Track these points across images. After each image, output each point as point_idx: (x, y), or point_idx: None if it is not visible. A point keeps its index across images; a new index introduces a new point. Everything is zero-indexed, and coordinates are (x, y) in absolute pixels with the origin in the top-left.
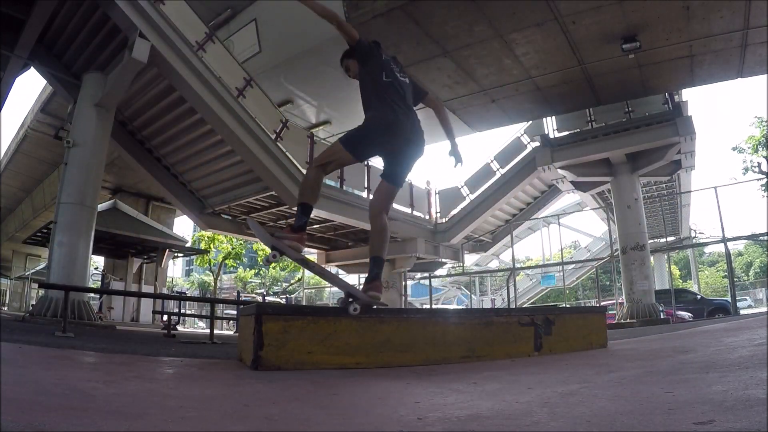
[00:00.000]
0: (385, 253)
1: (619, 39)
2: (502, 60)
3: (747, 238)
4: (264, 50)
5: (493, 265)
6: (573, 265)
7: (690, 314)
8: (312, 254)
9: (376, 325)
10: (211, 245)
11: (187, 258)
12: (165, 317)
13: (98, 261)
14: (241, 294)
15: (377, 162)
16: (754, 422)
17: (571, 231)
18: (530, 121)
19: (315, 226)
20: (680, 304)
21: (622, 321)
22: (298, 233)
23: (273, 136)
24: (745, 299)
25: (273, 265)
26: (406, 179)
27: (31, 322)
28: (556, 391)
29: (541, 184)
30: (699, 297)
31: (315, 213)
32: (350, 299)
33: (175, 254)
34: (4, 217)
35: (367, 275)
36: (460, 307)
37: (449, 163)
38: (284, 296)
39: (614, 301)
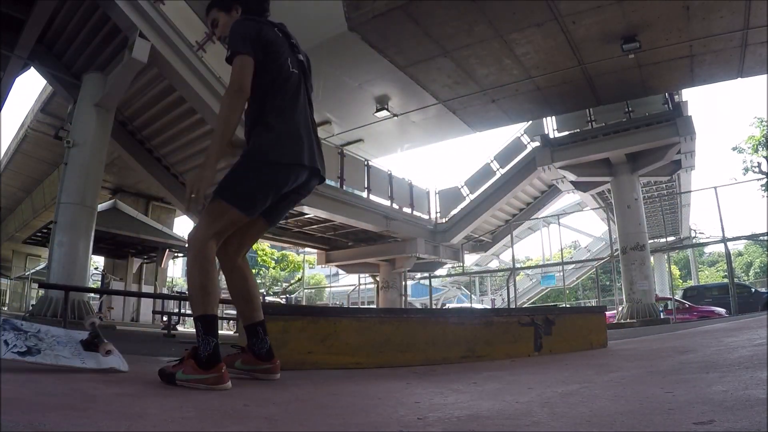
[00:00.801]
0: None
1: (619, 39)
2: (502, 60)
3: (747, 238)
4: None
5: (493, 265)
6: (573, 265)
7: (724, 309)
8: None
9: (376, 325)
10: None
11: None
12: (165, 317)
13: (98, 261)
14: None
15: (377, 162)
16: (754, 422)
17: (571, 231)
18: (530, 121)
19: (315, 226)
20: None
21: (622, 321)
22: (214, 368)
23: None
24: None
25: (273, 265)
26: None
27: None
28: (556, 391)
29: (541, 184)
30: (753, 290)
31: (315, 213)
32: None
33: (175, 254)
34: (4, 217)
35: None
36: (480, 306)
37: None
38: (284, 296)
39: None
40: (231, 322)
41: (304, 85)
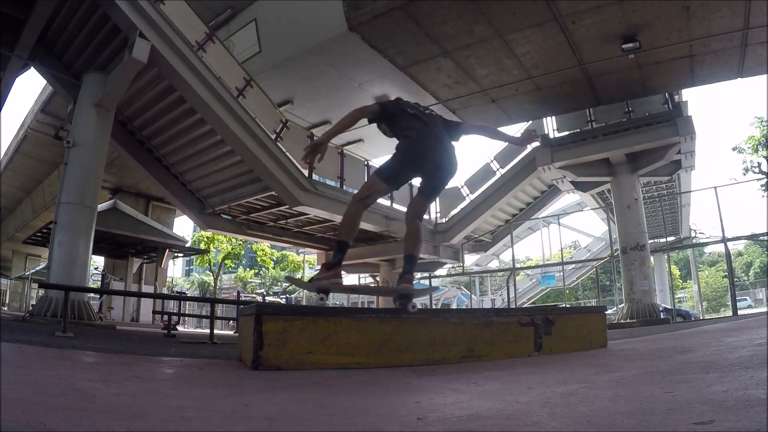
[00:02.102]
0: (417, 252)
1: (619, 39)
2: (502, 60)
3: (747, 238)
4: (264, 50)
5: (493, 265)
6: (573, 265)
7: None
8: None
9: (376, 325)
10: (211, 245)
11: (187, 258)
12: (165, 317)
13: (98, 261)
14: (241, 294)
15: (377, 162)
16: (754, 422)
17: (571, 231)
18: (530, 121)
19: (315, 226)
20: None
21: (622, 321)
22: (333, 270)
23: (273, 136)
24: (745, 299)
25: (272, 265)
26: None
27: (31, 322)
28: (556, 391)
29: (541, 184)
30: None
31: (315, 213)
32: (400, 299)
33: (175, 254)
34: (4, 217)
35: (401, 271)
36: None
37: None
38: (284, 296)
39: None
40: (231, 321)
41: (417, 117)
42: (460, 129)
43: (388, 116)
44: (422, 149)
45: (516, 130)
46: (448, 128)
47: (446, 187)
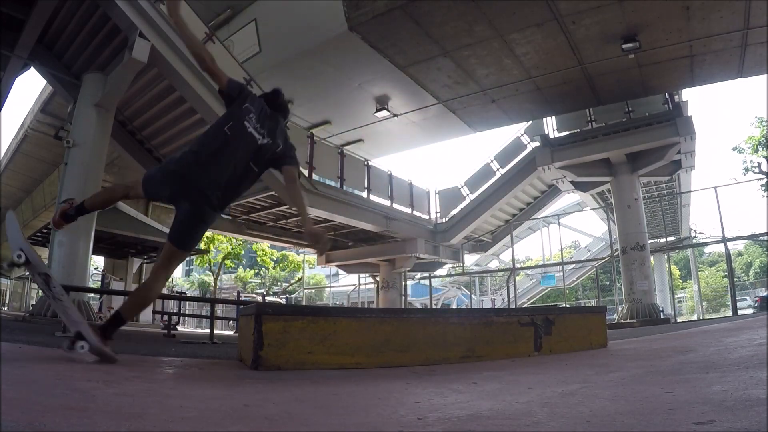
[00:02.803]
0: (130, 316)
1: (619, 39)
2: (502, 60)
3: (747, 238)
4: (264, 50)
5: (493, 265)
6: (573, 265)
7: None
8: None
9: (376, 325)
10: (211, 245)
11: (187, 258)
12: (165, 317)
13: (98, 261)
14: (241, 294)
15: (377, 162)
16: (754, 422)
17: (571, 231)
18: (530, 121)
19: (315, 226)
20: None
21: (622, 321)
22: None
23: None
24: (745, 299)
25: (272, 265)
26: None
27: (31, 322)
28: (556, 391)
29: (541, 184)
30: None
31: (315, 213)
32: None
33: None
34: (5, 217)
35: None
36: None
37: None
38: (284, 296)
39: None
40: (231, 321)
41: (226, 137)
42: (278, 164)
43: (225, 100)
44: (181, 169)
45: (516, 130)
46: (273, 160)
47: None
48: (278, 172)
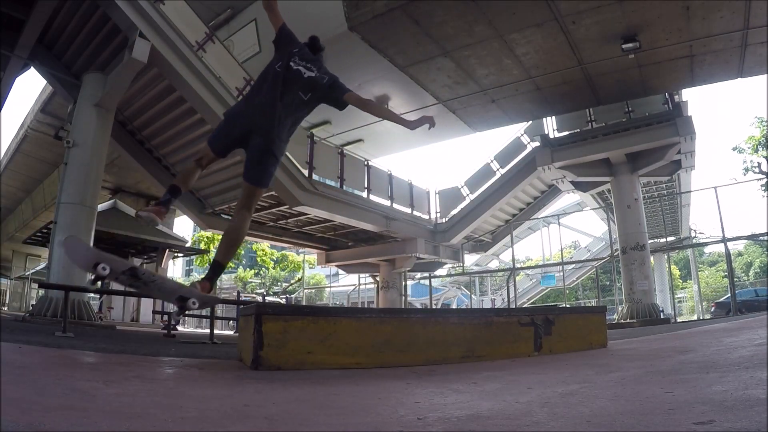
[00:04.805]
0: (227, 259)
1: (619, 39)
2: (502, 60)
3: (747, 238)
4: (264, 50)
5: (493, 265)
6: (573, 265)
7: None
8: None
9: (376, 325)
10: (211, 245)
11: (187, 258)
12: (165, 317)
13: None
14: (241, 294)
15: (377, 162)
16: (754, 422)
17: (571, 231)
18: (530, 121)
19: (315, 226)
20: None
21: (622, 321)
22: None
23: None
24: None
25: (272, 265)
26: (273, 176)
27: (31, 322)
28: (556, 391)
29: (541, 184)
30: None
31: (315, 213)
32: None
33: (175, 254)
34: (4, 217)
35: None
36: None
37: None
38: (284, 296)
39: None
40: (231, 321)
41: (276, 76)
42: (339, 96)
43: (275, 44)
44: (237, 114)
45: (516, 130)
46: (329, 93)
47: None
48: (339, 108)
